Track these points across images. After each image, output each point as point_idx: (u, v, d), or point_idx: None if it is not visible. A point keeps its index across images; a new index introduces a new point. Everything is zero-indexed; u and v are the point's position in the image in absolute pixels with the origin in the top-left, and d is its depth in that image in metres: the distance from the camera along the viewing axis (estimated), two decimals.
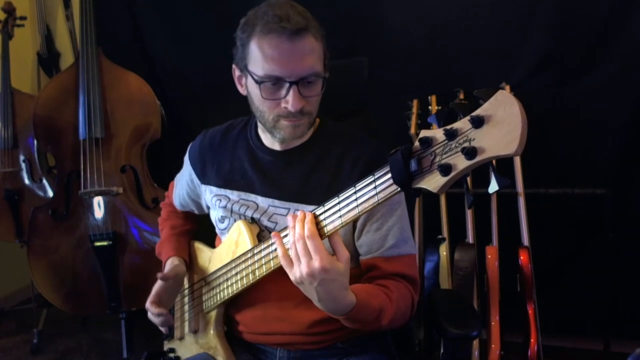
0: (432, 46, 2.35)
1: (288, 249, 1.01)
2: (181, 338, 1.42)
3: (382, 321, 1.10)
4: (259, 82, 1.12)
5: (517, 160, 2.11)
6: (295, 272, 0.97)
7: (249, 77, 1.15)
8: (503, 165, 2.11)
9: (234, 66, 1.20)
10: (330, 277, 0.95)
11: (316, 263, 0.94)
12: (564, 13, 2.18)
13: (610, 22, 2.15)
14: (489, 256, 2.01)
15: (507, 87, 2.18)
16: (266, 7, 1.11)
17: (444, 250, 2.06)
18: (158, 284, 1.31)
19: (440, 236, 2.12)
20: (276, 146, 1.24)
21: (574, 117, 2.24)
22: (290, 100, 1.10)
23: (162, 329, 1.38)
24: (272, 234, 1.04)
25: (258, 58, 1.11)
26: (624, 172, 2.23)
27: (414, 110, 2.26)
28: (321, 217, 0.99)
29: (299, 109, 1.12)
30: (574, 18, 2.18)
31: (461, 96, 2.23)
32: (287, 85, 1.10)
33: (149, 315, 1.31)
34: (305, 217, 0.99)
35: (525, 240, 2.06)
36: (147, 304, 1.30)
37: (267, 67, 1.10)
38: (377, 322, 1.10)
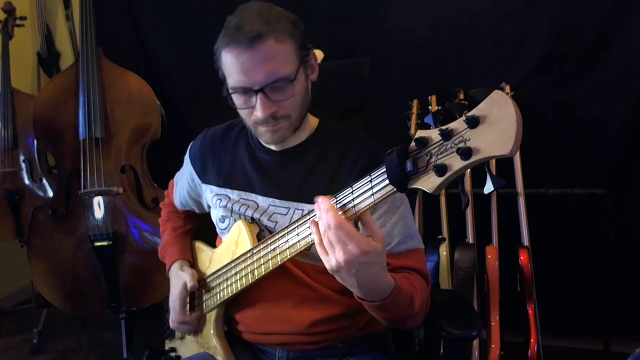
0: (432, 46, 2.36)
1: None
2: (182, 337, 1.43)
3: (414, 307, 1.06)
4: (230, 93, 1.13)
5: (517, 160, 2.11)
6: (331, 260, 0.92)
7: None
8: (503, 165, 2.10)
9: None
10: (370, 259, 0.91)
11: (354, 248, 0.89)
12: (564, 13, 2.18)
13: (610, 22, 2.15)
14: (489, 256, 2.01)
15: (507, 87, 2.18)
16: (234, 14, 1.12)
17: (444, 250, 2.06)
18: (175, 302, 1.32)
19: (440, 236, 2.12)
20: (274, 146, 1.24)
21: (574, 117, 2.24)
22: (257, 108, 1.10)
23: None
24: (310, 221, 0.98)
25: (227, 69, 1.12)
26: (624, 172, 2.23)
27: (414, 110, 2.27)
28: None
29: (268, 115, 1.11)
30: (574, 18, 2.18)
31: (461, 96, 2.23)
32: (254, 94, 1.10)
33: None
34: (328, 205, 0.92)
35: (525, 240, 2.06)
36: (173, 325, 1.35)
37: (234, 78, 1.10)
38: (410, 308, 1.05)
